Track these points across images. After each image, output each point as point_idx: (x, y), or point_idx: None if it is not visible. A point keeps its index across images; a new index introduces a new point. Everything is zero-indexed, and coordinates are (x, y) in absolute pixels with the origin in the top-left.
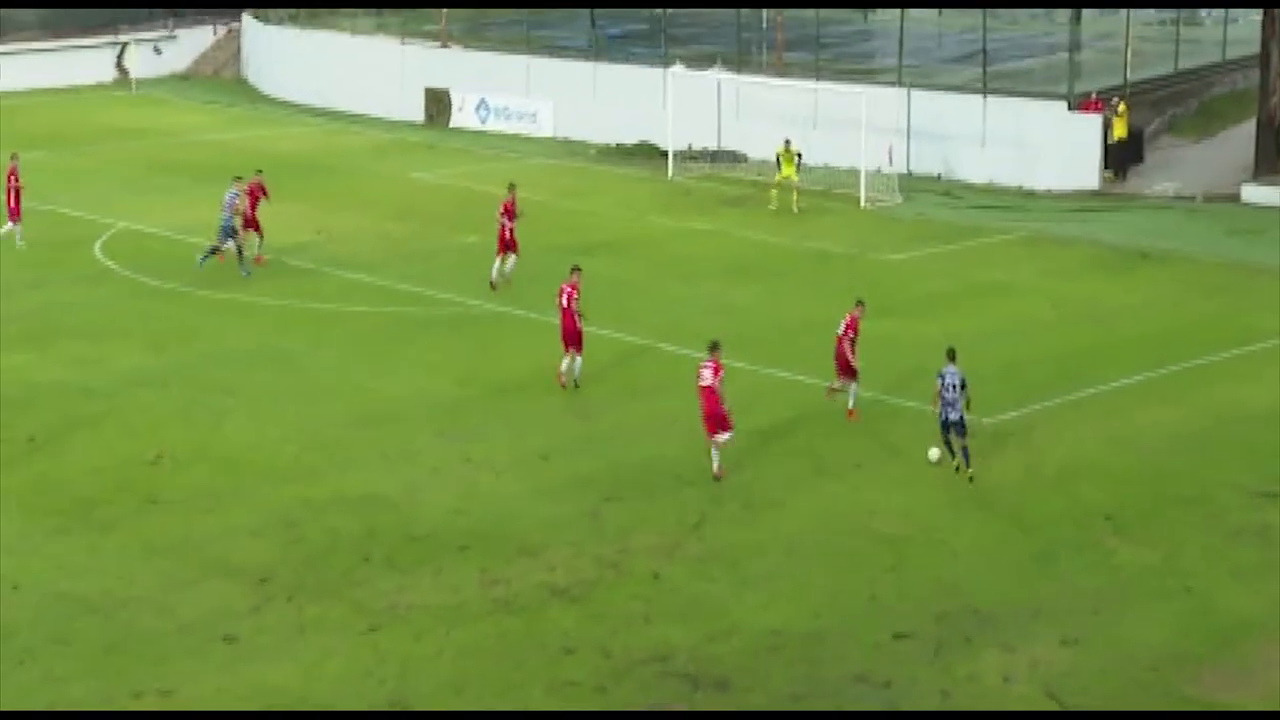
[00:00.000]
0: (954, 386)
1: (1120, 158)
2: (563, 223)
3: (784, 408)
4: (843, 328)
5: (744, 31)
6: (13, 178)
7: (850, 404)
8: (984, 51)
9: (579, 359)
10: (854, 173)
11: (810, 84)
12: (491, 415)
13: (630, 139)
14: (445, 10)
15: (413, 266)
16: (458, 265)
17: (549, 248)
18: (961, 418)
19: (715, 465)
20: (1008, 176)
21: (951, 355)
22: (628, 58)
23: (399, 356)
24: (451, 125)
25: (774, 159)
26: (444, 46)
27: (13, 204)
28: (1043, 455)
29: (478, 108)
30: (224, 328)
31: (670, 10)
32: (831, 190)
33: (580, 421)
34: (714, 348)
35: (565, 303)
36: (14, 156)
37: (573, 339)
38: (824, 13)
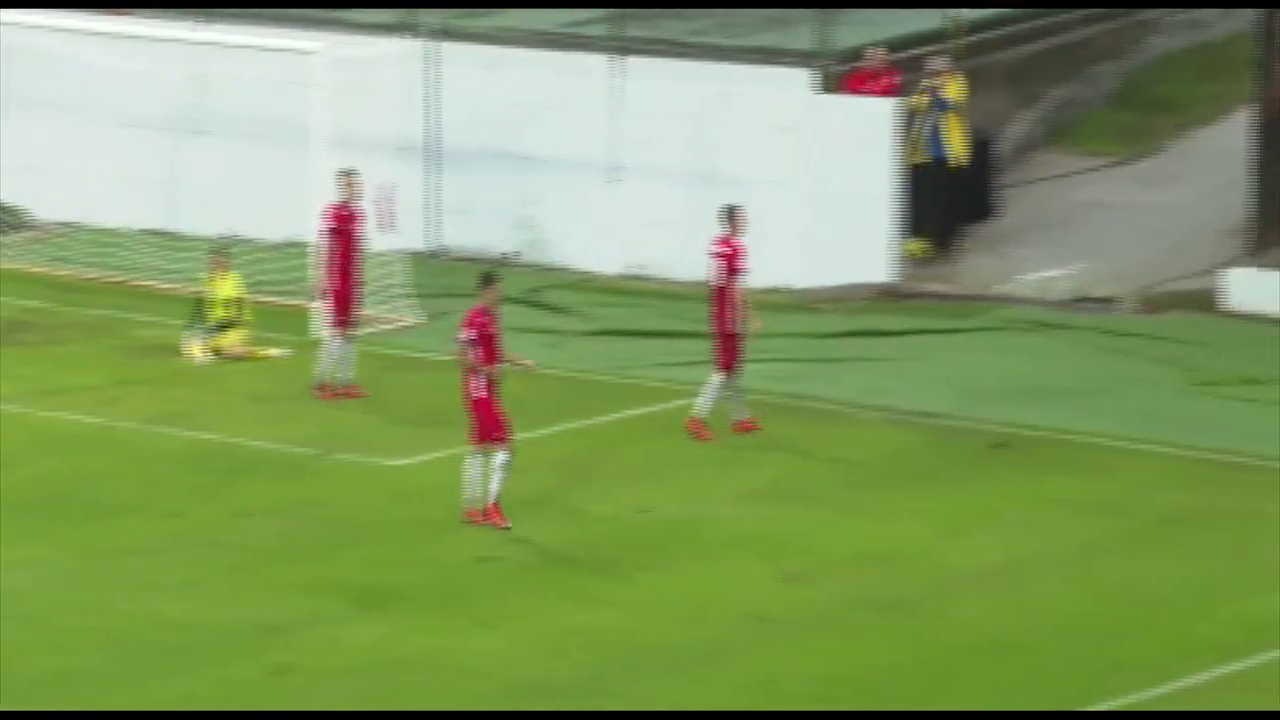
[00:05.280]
0: None
1: (944, 206)
2: None
3: None
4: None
5: None
6: None
7: None
8: None
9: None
10: (294, 253)
11: (160, 28)
12: None
13: None
14: None
15: None
16: None
17: None
18: None
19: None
20: (664, 260)
21: None
22: None
23: None
24: None
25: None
26: None
27: None
28: None
29: None
30: None
31: None
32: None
33: None
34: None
35: None
36: None
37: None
38: None
